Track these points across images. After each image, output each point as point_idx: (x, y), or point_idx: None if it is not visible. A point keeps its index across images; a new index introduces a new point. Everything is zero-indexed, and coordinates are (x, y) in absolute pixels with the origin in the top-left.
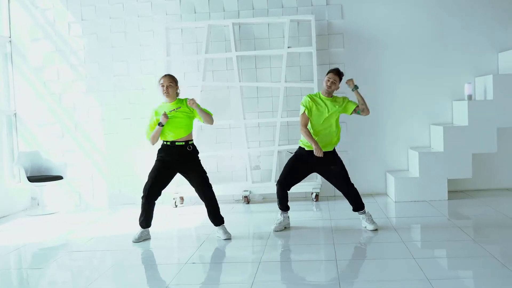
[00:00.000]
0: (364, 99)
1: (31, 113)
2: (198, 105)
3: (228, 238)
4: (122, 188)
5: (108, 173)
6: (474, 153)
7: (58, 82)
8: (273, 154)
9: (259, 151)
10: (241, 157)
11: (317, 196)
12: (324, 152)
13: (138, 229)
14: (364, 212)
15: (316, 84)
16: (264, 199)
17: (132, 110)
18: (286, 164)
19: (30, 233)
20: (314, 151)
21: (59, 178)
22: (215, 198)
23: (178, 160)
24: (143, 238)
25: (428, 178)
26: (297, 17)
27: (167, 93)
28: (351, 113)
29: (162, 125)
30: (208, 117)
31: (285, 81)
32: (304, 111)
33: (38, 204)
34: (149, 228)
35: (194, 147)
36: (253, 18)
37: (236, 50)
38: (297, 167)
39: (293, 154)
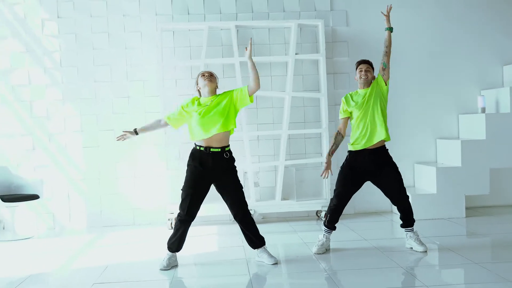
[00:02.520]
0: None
1: None
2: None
3: (276, 263)
4: (103, 209)
5: (87, 191)
6: (492, 167)
7: (29, 87)
8: (274, 170)
9: (258, 167)
10: (240, 173)
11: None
12: (373, 150)
13: (166, 254)
14: (413, 230)
15: (326, 94)
16: (264, 219)
17: (115, 120)
18: (339, 176)
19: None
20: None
21: (35, 197)
22: (251, 216)
23: (213, 169)
24: (172, 264)
25: (445, 195)
26: (304, 21)
27: (209, 80)
28: (382, 74)
29: (137, 133)
30: (256, 78)
31: (292, 91)
32: (340, 118)
33: (3, 228)
34: (177, 253)
35: (231, 154)
36: (254, 21)
37: (238, 56)
38: (351, 175)
39: (343, 163)
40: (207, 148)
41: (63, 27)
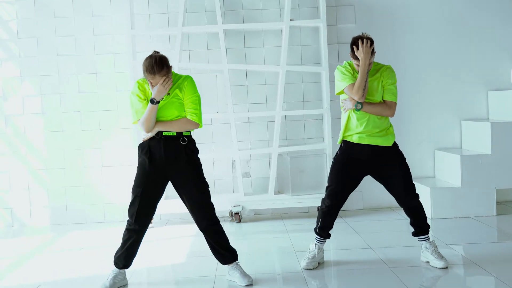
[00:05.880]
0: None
1: None
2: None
3: (250, 284)
4: (69, 203)
5: (50, 183)
6: None
7: None
8: (268, 157)
9: (249, 154)
10: (227, 162)
11: None
12: (381, 148)
13: (111, 270)
14: (428, 239)
15: (327, 68)
16: (256, 215)
17: (82, 100)
18: (331, 172)
19: None
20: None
21: None
22: (219, 223)
23: (167, 161)
24: (118, 285)
25: (472, 188)
26: None
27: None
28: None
29: (157, 102)
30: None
31: (286, 64)
32: (348, 83)
33: None
34: (126, 270)
35: (192, 142)
36: None
37: (222, 23)
38: (348, 171)
39: (335, 156)
40: (159, 132)
41: None
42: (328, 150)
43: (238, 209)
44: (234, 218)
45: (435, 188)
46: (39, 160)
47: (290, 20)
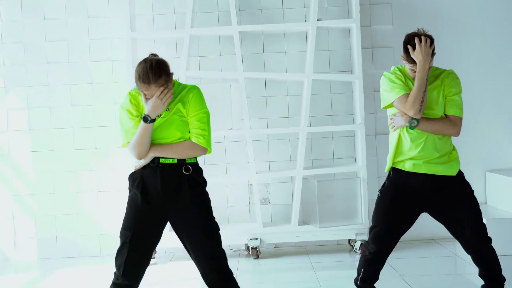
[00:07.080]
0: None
1: None
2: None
3: None
4: (60, 234)
5: (38, 210)
6: None
7: None
8: (290, 181)
9: (268, 178)
10: (243, 186)
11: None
12: (443, 178)
13: None
14: None
15: (361, 76)
16: (276, 248)
17: (75, 115)
18: (377, 209)
19: None
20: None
21: None
22: (232, 277)
23: (166, 194)
24: None
25: None
26: None
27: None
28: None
29: (153, 121)
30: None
31: (312, 72)
32: (400, 94)
33: None
34: None
35: (198, 171)
36: None
37: (237, 24)
38: (399, 208)
39: (382, 188)
40: (155, 159)
41: None
42: (362, 173)
43: (255, 243)
44: (251, 253)
45: (490, 219)
46: (25, 184)
47: (318, 20)
